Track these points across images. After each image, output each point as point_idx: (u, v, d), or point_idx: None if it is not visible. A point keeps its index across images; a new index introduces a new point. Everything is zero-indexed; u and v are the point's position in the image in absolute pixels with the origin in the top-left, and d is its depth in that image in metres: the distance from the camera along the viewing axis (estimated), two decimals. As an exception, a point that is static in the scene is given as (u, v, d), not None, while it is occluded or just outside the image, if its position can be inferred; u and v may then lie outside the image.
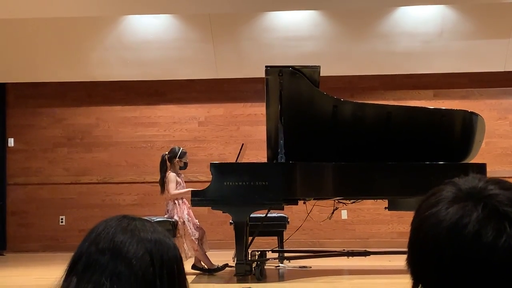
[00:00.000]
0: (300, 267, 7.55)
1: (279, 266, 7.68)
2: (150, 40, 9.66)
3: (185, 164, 7.45)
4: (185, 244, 7.02)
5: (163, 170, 7.34)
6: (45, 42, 9.67)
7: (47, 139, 10.39)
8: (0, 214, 10.22)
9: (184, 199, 7.28)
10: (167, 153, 7.45)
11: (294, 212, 8.36)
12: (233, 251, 6.96)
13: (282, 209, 6.82)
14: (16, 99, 10.46)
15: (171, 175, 7.24)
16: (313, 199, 6.96)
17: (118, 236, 1.16)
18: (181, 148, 7.44)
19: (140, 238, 1.16)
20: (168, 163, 7.34)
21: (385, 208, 7.28)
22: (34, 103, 10.42)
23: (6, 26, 9.39)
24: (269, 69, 6.76)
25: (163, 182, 7.30)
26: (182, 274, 1.20)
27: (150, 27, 9.61)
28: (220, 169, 6.55)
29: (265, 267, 6.95)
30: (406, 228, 9.65)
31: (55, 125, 10.41)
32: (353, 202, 7.38)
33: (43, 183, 10.31)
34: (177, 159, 7.33)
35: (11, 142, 10.40)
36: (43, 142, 10.39)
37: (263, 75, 6.82)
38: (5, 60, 9.89)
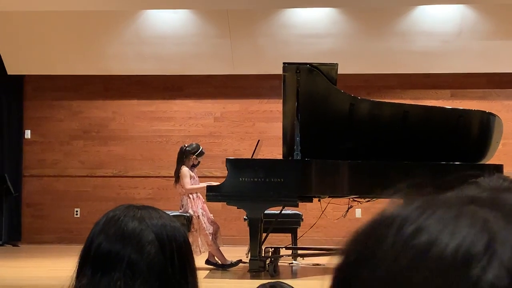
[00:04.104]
0: (313, 264, 7.55)
1: (292, 263, 7.68)
2: (167, 35, 9.68)
3: (198, 163, 7.47)
4: (199, 238, 7.03)
5: (181, 161, 7.34)
6: (63, 35, 9.72)
7: (64, 132, 10.45)
8: (16, 205, 10.29)
9: (199, 194, 7.29)
10: (186, 145, 7.45)
11: (308, 210, 8.35)
12: (247, 247, 6.96)
13: (297, 206, 6.81)
14: (34, 91, 10.52)
15: (184, 170, 7.25)
16: (328, 197, 6.95)
17: (128, 225, 1.17)
18: (202, 148, 7.44)
19: (147, 225, 1.17)
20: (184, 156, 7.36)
21: (400, 207, 7.25)
22: (51, 96, 10.47)
23: (24, 19, 9.45)
24: (286, 65, 6.74)
25: (178, 174, 7.31)
26: (191, 255, 1.22)
27: (168, 22, 9.63)
28: (236, 165, 6.55)
29: (279, 263, 6.95)
30: (420, 228, 9.66)
31: (72, 118, 10.46)
32: (368, 201, 7.36)
33: (59, 175, 10.37)
34: (193, 156, 7.33)
35: (27, 134, 10.47)
36: (60, 135, 10.44)
37: (279, 71, 6.81)
38: (23, 53, 9.95)
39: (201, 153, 7.39)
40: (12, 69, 10.16)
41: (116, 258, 1.14)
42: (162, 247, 1.16)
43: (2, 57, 9.99)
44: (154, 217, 1.20)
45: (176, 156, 7.49)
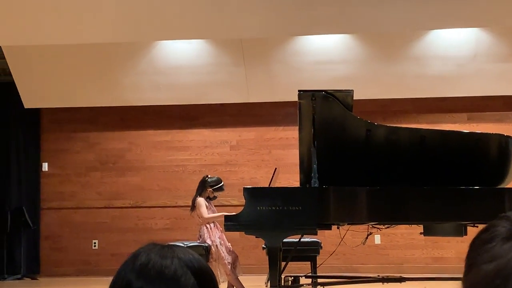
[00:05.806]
0: (333, 292, 7.46)
1: (312, 291, 7.60)
2: (182, 64, 9.73)
3: (214, 198, 7.48)
4: (218, 268, 6.99)
5: (199, 190, 7.35)
6: (78, 68, 9.79)
7: (81, 164, 10.48)
8: (34, 238, 10.30)
9: (216, 223, 7.27)
10: (209, 176, 7.46)
11: (327, 237, 8.29)
12: (266, 276, 6.90)
13: (316, 234, 6.75)
14: (50, 124, 10.59)
15: (200, 200, 7.25)
16: (347, 224, 6.89)
17: (160, 262, 1.14)
18: (222, 184, 7.46)
19: (180, 260, 1.15)
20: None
21: (421, 233, 7.18)
22: (67, 128, 10.53)
23: (40, 52, 9.53)
24: (301, 93, 6.72)
25: (194, 203, 7.31)
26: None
27: (182, 52, 9.68)
28: (253, 194, 6.51)
29: (299, 292, 6.88)
30: (441, 253, 9.56)
31: (89, 150, 10.50)
32: (388, 227, 7.29)
33: (77, 207, 10.39)
34: (211, 189, 7.34)
35: (45, 166, 10.51)
36: (77, 167, 10.48)
37: (294, 98, 6.79)
38: (39, 86, 10.03)
39: (219, 189, 7.40)
40: (28, 103, 10.24)
41: None
42: (199, 279, 1.14)
43: (19, 91, 10.07)
44: (181, 251, 1.18)
45: (193, 185, 7.51)
